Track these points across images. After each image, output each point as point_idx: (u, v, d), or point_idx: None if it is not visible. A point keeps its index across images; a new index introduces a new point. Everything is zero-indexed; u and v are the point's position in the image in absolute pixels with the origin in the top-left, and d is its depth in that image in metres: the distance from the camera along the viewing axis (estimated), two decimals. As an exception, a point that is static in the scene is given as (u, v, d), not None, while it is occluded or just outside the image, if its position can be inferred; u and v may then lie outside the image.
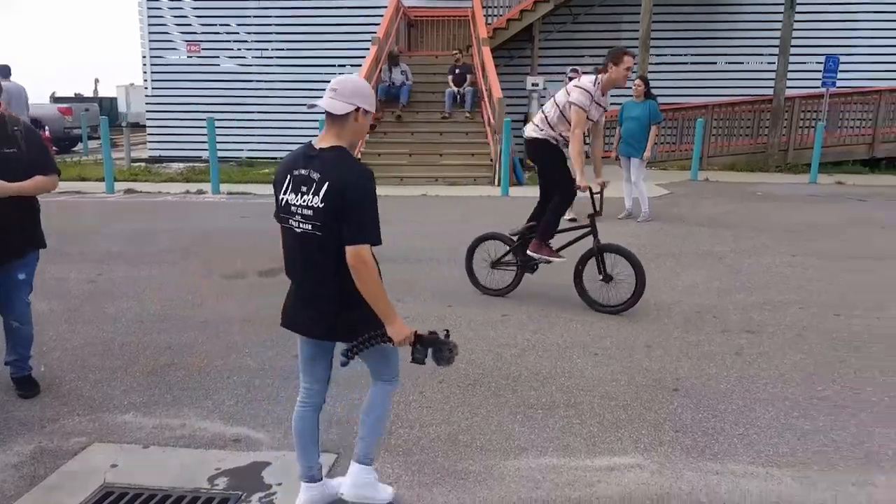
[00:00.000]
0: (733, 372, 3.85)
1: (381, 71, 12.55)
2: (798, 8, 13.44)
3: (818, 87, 13.01)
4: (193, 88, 15.92)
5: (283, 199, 2.29)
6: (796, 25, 13.54)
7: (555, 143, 4.90)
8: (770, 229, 7.79)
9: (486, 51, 12.30)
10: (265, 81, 15.81)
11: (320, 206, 2.18)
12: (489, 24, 14.41)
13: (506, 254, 5.17)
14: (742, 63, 15.27)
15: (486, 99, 12.00)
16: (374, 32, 13.05)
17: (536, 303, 5.06)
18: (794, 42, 13.42)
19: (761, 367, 3.90)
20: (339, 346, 2.36)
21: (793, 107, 13.57)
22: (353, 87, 2.24)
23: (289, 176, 2.27)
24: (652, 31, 12.99)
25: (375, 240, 2.21)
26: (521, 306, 5.00)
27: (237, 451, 3.01)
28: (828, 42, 14.63)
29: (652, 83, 9.81)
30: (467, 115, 12.51)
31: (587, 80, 4.72)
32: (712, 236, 7.39)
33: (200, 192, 10.37)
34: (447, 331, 2.42)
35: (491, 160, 11.35)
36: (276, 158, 15.29)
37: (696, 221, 8.27)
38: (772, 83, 13.43)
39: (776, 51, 13.30)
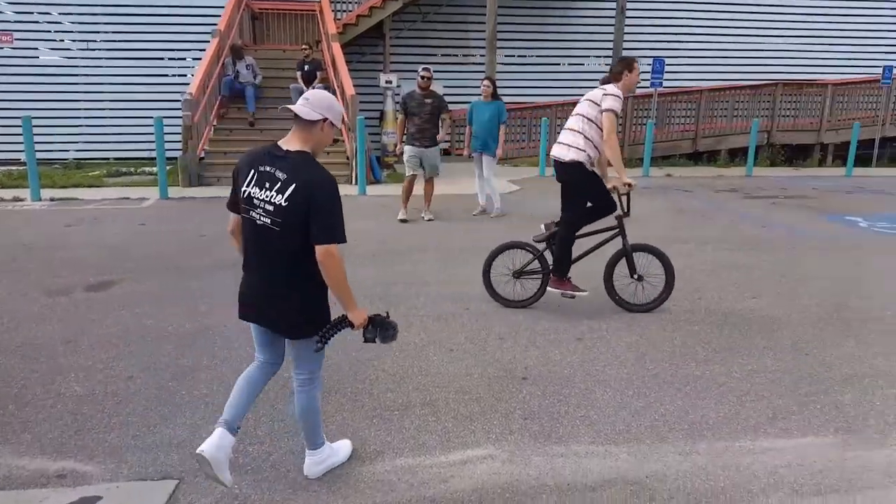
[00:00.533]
0: (576, 357, 4.09)
1: (223, 64, 11.92)
2: (628, 13, 14.59)
3: (648, 88, 14.21)
4: (7, 83, 14.16)
5: (245, 191, 2.49)
6: (627, 30, 14.69)
7: (589, 163, 4.74)
8: (608, 220, 8.36)
9: (337, 47, 12.10)
10: (93, 76, 14.42)
11: (283, 204, 2.39)
12: (339, 19, 14.19)
13: (530, 262, 4.98)
14: (582, 64, 16.31)
15: (338, 96, 11.81)
16: (215, 24, 12.36)
17: (392, 304, 5.05)
18: (625, 45, 14.54)
19: (600, 351, 4.18)
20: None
21: (627, 105, 14.71)
22: (324, 101, 2.50)
23: (253, 170, 2.48)
24: (498, 31, 13.49)
25: (342, 239, 2.44)
26: (376, 310, 4.97)
27: (62, 488, 2.70)
28: (655, 45, 16.02)
29: (501, 83, 10.18)
30: (320, 112, 12.23)
31: (614, 88, 4.62)
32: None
33: (17, 199, 9.25)
34: (387, 312, 2.75)
35: (347, 158, 11.20)
36: (108, 159, 14.04)
37: (544, 215, 8.66)
38: (607, 83, 14.44)
39: (611, 53, 14.34)
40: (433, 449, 3.04)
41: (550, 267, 4.90)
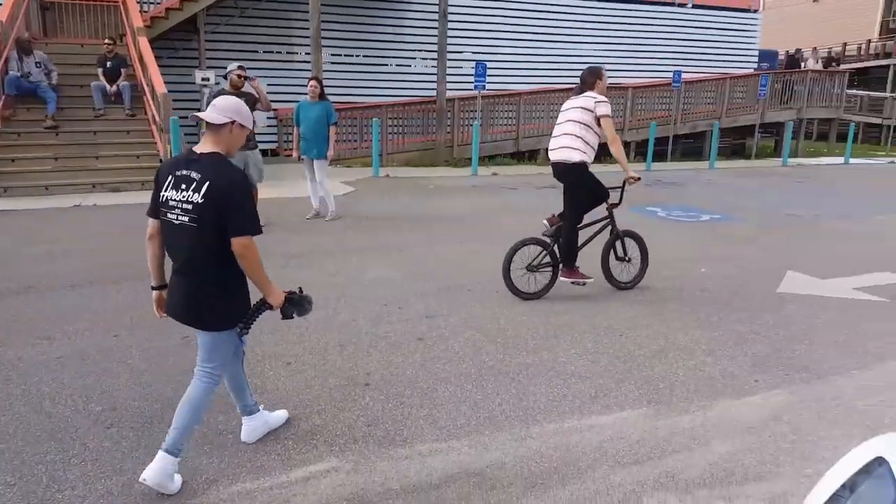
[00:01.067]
0: (417, 357, 4.13)
1: (7, 60, 10.45)
2: (450, 17, 15.06)
3: (472, 90, 14.80)
4: None
5: (164, 195, 2.66)
6: (450, 34, 15.18)
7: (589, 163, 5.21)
8: (441, 219, 8.61)
9: (144, 41, 11.13)
10: None
11: (200, 201, 2.56)
12: (146, 12, 13.08)
13: (541, 256, 5.34)
14: (409, 66, 16.58)
15: (148, 95, 10.88)
16: (-5, 14, 10.80)
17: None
18: (449, 48, 15.03)
19: (440, 349, 4.26)
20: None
21: (454, 107, 15.22)
22: (230, 105, 2.71)
23: (171, 176, 2.65)
24: (323, 30, 13.25)
25: (258, 231, 2.65)
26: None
27: None
28: (477, 49, 16.74)
29: (328, 83, 9.98)
30: (127, 112, 11.20)
31: (600, 94, 5.14)
32: (393, 229, 7.86)
33: None
34: (300, 287, 2.97)
35: (161, 161, 10.36)
36: None
37: (378, 216, 8.72)
38: (435, 85, 14.86)
39: (436, 55, 14.73)
40: (273, 470, 2.90)
41: (559, 259, 5.34)
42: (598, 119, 5.09)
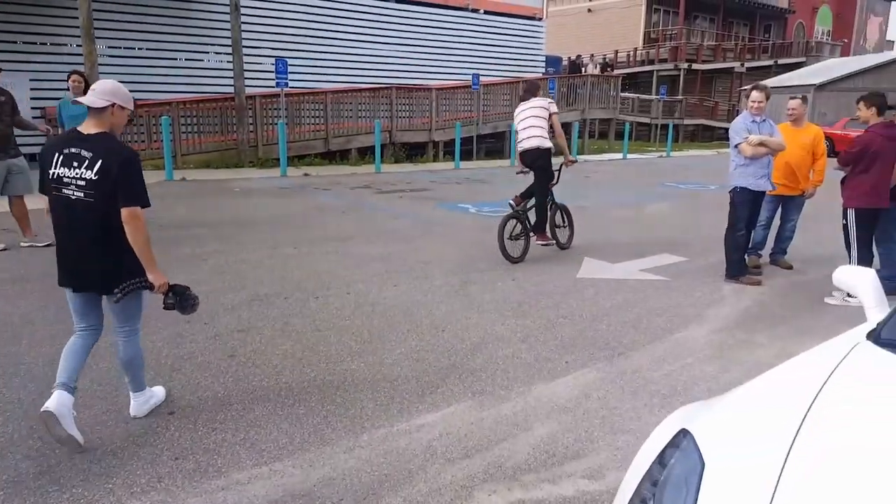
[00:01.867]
0: (229, 376, 3.78)
1: None
2: (246, 11, 14.29)
3: (275, 87, 14.18)
4: None
5: (53, 172, 2.86)
6: (245, 28, 14.41)
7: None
8: (249, 224, 8.10)
9: None
10: None
11: (94, 178, 2.81)
12: None
13: (517, 226, 6.56)
14: (202, 60, 15.45)
15: None
16: None
17: (-18, 353, 3.97)
18: (245, 43, 14.25)
19: (255, 365, 3.95)
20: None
21: (255, 105, 14.46)
22: (109, 87, 2.94)
23: (58, 153, 2.86)
24: (97, 19, 11.84)
25: (146, 203, 2.91)
26: (-43, 362, 3.84)
27: None
28: (277, 46, 16.09)
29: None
30: None
31: (549, 98, 7.23)
32: (195, 239, 7.23)
33: None
34: (188, 286, 3.11)
35: None
36: None
37: (176, 225, 7.97)
38: (232, 81, 13.99)
39: (231, 50, 13.88)
40: (56, 530, 2.44)
41: (531, 228, 6.66)
42: (550, 116, 6.53)
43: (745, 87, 28.67)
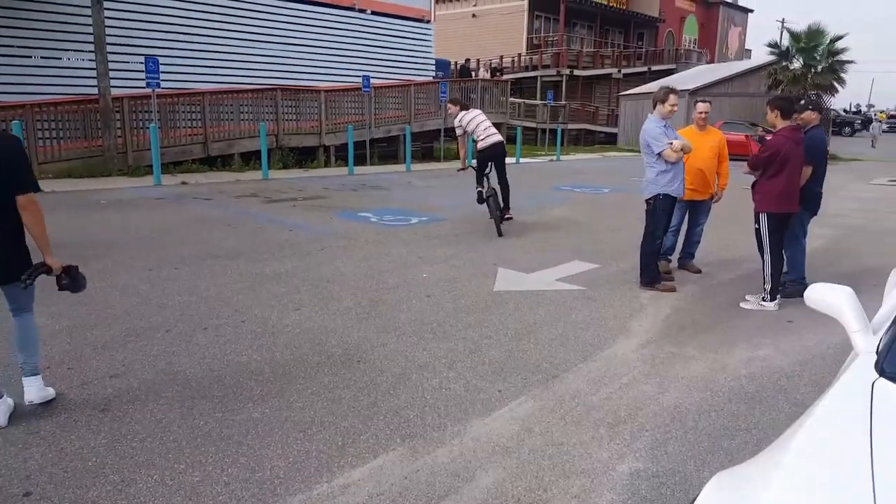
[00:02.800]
0: (101, 438, 3.07)
1: None
2: (107, 5, 12.88)
3: (145, 88, 12.89)
4: None
5: None
6: (110, 24, 13.00)
7: None
8: (122, 242, 7.12)
9: None
10: None
11: None
12: None
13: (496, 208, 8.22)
14: (60, 59, 13.80)
15: None
16: None
17: None
18: (110, 40, 12.85)
19: (134, 420, 3.25)
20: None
21: (122, 107, 13.07)
22: None
23: None
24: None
25: (37, 188, 3.16)
26: None
27: None
28: (148, 43, 14.69)
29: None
30: None
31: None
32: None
33: None
34: (77, 265, 3.37)
35: None
36: None
37: (30, 245, 6.82)
38: (96, 82, 12.56)
39: (93, 48, 12.46)
40: None
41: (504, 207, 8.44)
42: None
43: (624, 93, 30.12)
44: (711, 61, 39.87)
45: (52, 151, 12.26)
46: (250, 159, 15.07)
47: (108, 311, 4.80)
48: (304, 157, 16.40)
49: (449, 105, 9.10)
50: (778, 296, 5.38)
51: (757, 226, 5.33)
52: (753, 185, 5.36)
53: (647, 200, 5.78)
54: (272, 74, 17.20)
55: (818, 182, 5.65)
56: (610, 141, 31.69)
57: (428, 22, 21.39)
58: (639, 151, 6.10)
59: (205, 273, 5.95)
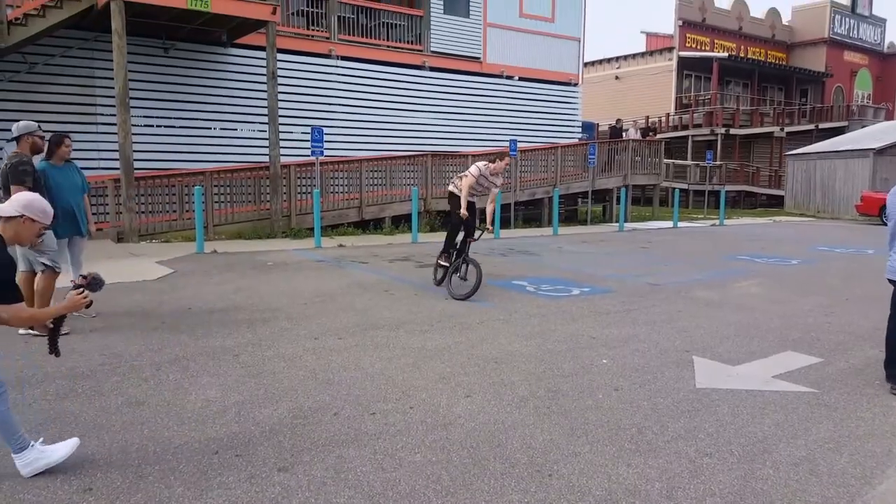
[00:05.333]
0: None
1: None
2: (282, 80, 13.88)
3: (309, 156, 13.59)
4: None
5: None
6: (282, 97, 13.96)
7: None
8: (287, 307, 7.14)
9: None
10: None
11: None
12: None
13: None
14: (236, 129, 15.01)
15: None
16: None
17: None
18: (282, 112, 13.79)
19: (306, 532, 2.86)
20: None
21: (289, 174, 13.86)
22: (24, 200, 3.19)
23: None
24: (131, 89, 11.41)
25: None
26: None
27: None
28: (312, 114, 15.66)
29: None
30: None
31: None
32: (226, 325, 6.27)
33: None
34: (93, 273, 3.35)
35: None
36: None
37: (206, 306, 7.04)
38: (267, 150, 13.44)
39: (266, 119, 13.39)
40: None
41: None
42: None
43: (791, 152, 27.76)
44: (890, 117, 36.01)
45: (226, 214, 13.15)
46: (399, 223, 15.30)
47: (277, 387, 4.61)
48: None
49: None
50: None
51: None
52: None
53: (893, 281, 4.76)
54: (422, 141, 17.63)
55: None
56: (773, 203, 29.21)
57: (575, 85, 21.14)
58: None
59: (368, 345, 5.69)
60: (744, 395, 4.69)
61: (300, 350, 5.50)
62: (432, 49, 17.79)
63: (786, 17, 38.73)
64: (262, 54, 13.57)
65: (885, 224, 5.04)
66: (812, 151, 26.65)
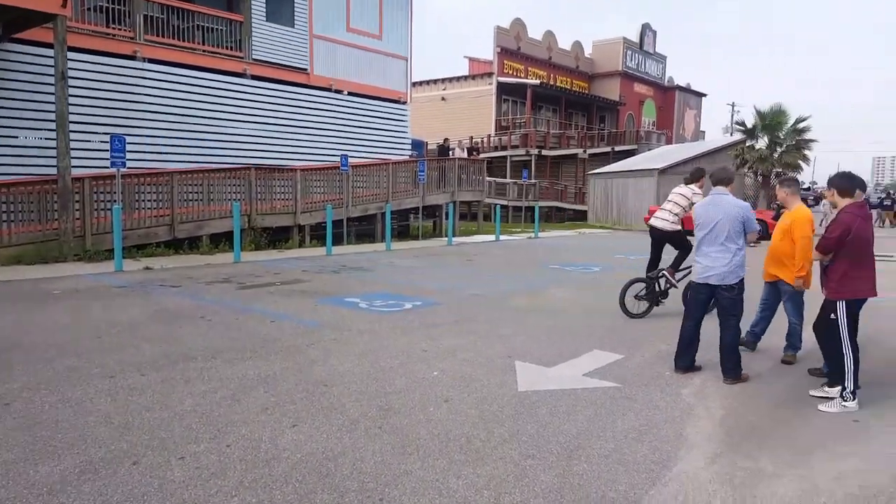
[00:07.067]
0: None
1: None
2: (75, 83, 12.27)
3: (109, 168, 12.13)
4: None
5: None
6: (74, 101, 12.36)
7: None
8: (77, 343, 6.14)
9: None
10: None
11: None
12: None
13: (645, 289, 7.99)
14: (16, 137, 12.99)
15: None
16: None
17: None
18: (73, 119, 12.18)
19: None
20: None
21: (83, 187, 12.22)
22: None
23: None
24: None
25: None
26: None
27: None
28: (112, 120, 14.05)
29: None
30: None
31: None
32: (-5, 366, 5.21)
33: None
34: None
35: None
36: None
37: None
38: (55, 161, 11.75)
39: (55, 125, 11.73)
40: None
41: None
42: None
43: (593, 172, 30.50)
44: (669, 142, 41.13)
45: (2, 235, 11.24)
46: (220, 241, 14.24)
47: (59, 438, 3.85)
48: (276, 237, 15.64)
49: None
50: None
51: (834, 316, 4.73)
52: (825, 271, 4.84)
53: (733, 285, 5.26)
54: (246, 153, 16.66)
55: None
56: (578, 217, 31.84)
57: (404, 103, 21.37)
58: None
59: (177, 380, 5.03)
60: (560, 394, 4.86)
61: (91, 392, 4.70)
62: (254, 57, 16.92)
63: (588, 50, 42.82)
64: (51, 52, 11.88)
65: None
66: (609, 171, 29.54)
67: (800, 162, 24.66)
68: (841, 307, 4.69)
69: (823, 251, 4.78)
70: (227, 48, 16.53)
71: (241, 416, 4.27)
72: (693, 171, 8.25)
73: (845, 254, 4.66)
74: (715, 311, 5.59)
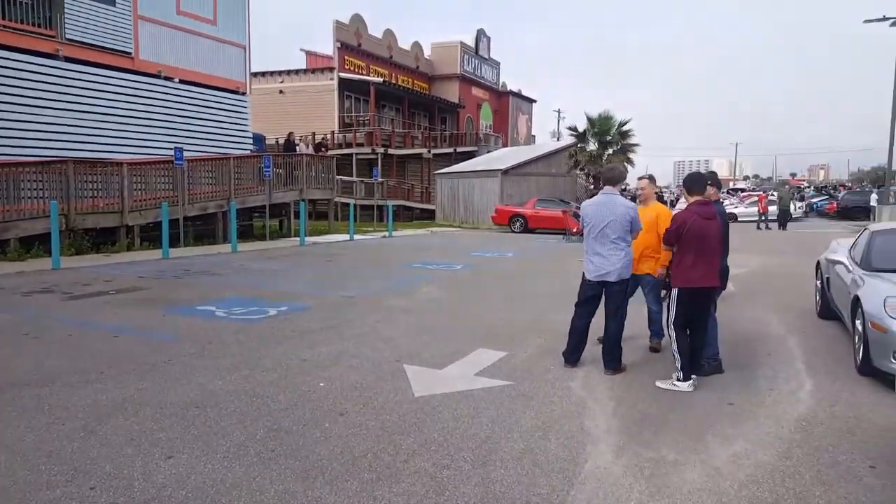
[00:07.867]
0: None
1: None
2: None
3: None
4: None
5: None
6: None
7: None
8: None
9: None
10: None
11: None
12: None
13: None
14: None
15: None
16: None
17: None
18: None
19: None
20: None
21: None
22: None
23: None
24: None
25: None
26: None
27: None
28: None
29: None
30: None
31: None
32: None
33: None
34: None
35: None
36: None
37: None
38: None
39: None
40: None
41: None
42: None
43: (440, 171, 31.01)
44: (505, 144, 43.12)
45: None
46: (32, 245, 12.33)
47: None
48: (101, 239, 13.89)
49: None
50: (693, 375, 5.12)
51: (667, 300, 5.26)
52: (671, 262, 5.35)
53: (626, 280, 5.46)
54: (62, 145, 14.59)
55: (724, 256, 5.63)
56: (426, 216, 32.20)
57: (243, 94, 20.07)
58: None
59: (10, 413, 4.13)
60: (458, 396, 4.72)
61: None
62: (68, 37, 14.85)
63: (427, 52, 43.46)
64: None
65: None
66: (455, 171, 30.21)
67: (625, 164, 26.99)
68: (673, 294, 5.14)
69: (665, 242, 5.35)
70: (34, 25, 14.36)
71: (101, 451, 3.58)
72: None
73: (683, 246, 5.12)
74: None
